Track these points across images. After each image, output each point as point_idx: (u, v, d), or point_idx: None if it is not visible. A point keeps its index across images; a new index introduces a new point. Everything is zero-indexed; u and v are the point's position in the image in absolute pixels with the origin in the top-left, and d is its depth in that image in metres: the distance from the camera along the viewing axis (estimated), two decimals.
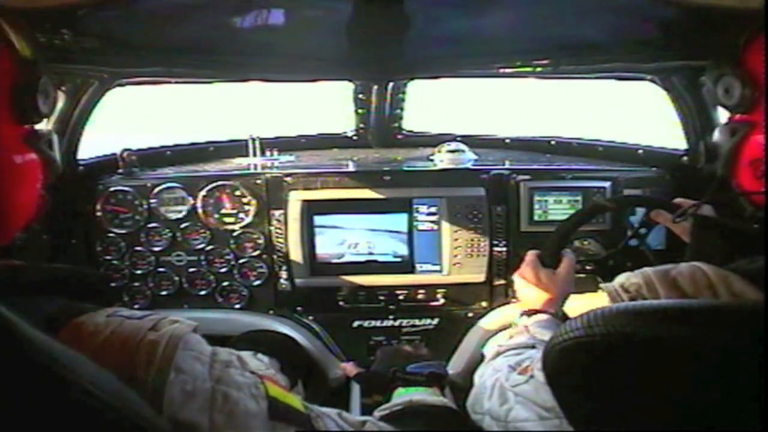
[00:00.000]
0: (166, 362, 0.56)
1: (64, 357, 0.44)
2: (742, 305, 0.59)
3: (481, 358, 1.15)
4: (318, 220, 1.67)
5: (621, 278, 0.82)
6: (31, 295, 0.62)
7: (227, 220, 1.70)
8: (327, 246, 1.69)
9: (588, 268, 1.62)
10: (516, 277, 1.26)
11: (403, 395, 1.17)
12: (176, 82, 1.84)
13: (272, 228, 1.70)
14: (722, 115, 1.60)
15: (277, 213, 1.68)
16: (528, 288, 1.21)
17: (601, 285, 0.84)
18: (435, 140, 1.90)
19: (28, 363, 0.42)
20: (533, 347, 1.04)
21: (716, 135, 1.10)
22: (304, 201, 1.66)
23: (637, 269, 0.84)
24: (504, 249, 1.71)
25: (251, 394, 0.61)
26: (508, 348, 1.06)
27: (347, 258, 1.70)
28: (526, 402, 0.83)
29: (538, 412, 0.80)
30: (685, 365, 0.52)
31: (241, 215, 1.70)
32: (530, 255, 1.26)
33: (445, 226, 1.67)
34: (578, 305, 1.29)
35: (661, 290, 0.74)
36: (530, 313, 1.15)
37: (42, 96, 0.75)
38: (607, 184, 1.69)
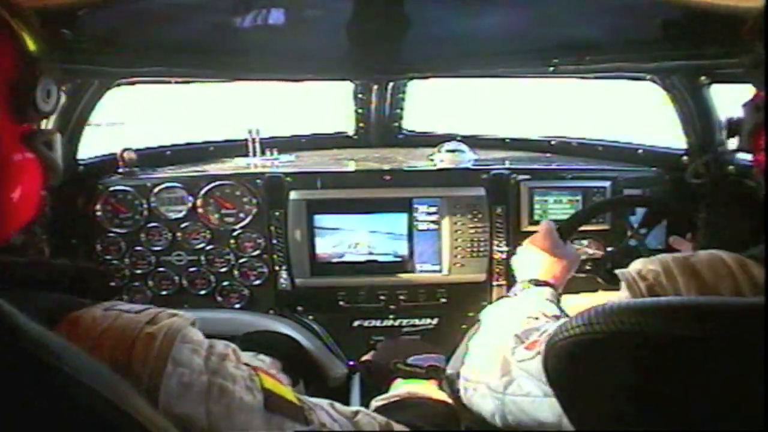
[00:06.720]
0: (163, 354, 0.56)
1: (59, 349, 0.44)
2: (747, 302, 0.59)
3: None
4: (318, 219, 1.67)
5: (637, 265, 0.77)
6: (29, 289, 0.62)
7: (227, 220, 1.70)
8: (327, 246, 1.69)
9: (587, 268, 1.62)
10: (526, 244, 1.20)
11: (401, 387, 1.18)
12: (176, 82, 1.84)
13: (272, 228, 1.69)
14: (722, 115, 1.61)
15: (277, 213, 1.68)
16: (538, 257, 1.15)
17: (617, 272, 0.80)
18: (435, 140, 1.89)
19: (22, 354, 0.42)
20: (536, 318, 0.99)
21: (740, 112, 1.11)
22: (304, 201, 1.66)
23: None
24: (504, 249, 1.71)
25: (246, 386, 0.61)
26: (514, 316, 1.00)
27: (347, 258, 1.69)
28: (530, 378, 0.80)
29: (543, 389, 0.76)
30: (687, 363, 0.52)
31: (241, 215, 1.70)
32: (547, 224, 1.20)
33: (445, 226, 1.67)
34: (577, 305, 1.29)
35: (680, 278, 0.70)
36: (537, 283, 1.10)
37: (43, 94, 0.72)
38: (607, 184, 1.69)
